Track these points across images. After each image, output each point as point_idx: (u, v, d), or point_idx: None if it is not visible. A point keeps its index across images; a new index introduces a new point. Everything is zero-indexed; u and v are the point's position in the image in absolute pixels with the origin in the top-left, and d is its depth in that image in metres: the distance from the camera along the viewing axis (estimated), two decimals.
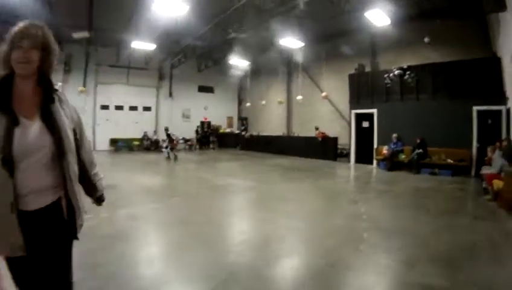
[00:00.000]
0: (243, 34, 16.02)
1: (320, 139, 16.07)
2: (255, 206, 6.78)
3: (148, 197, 7.24)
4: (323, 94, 16.38)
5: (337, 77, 16.95)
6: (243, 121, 25.31)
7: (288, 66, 20.68)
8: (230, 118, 25.65)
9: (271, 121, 22.23)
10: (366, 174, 11.57)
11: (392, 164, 12.06)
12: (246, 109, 24.26)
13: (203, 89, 24.54)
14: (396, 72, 12.41)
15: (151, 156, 17.57)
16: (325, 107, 18.14)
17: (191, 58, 21.46)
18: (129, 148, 21.04)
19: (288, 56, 18.95)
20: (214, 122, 24.53)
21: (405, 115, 12.38)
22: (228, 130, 24.63)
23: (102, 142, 21.01)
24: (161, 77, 22.69)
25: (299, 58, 17.64)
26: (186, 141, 22.33)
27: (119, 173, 10.83)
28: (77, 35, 13.72)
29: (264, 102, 20.87)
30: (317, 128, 16.88)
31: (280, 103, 19.44)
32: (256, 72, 22.28)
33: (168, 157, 15.54)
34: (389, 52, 14.70)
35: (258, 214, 6.08)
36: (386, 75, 12.82)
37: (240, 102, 25.06)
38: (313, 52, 17.70)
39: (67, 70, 20.05)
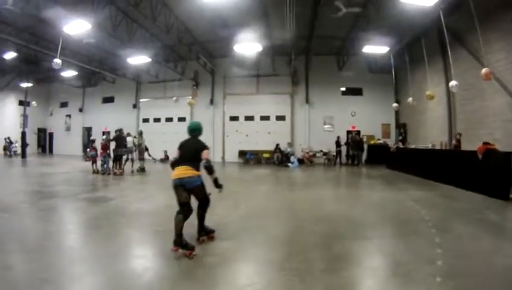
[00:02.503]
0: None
1: (480, 155, 9.10)
2: None
3: None
4: (484, 71, 9.55)
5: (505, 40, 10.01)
6: (400, 128, 19.31)
7: (438, 39, 13.96)
8: (386, 126, 20.24)
9: (432, 126, 15.86)
10: None
11: None
12: (402, 113, 18.30)
13: (348, 91, 20.74)
14: None
15: (257, 171, 15.80)
16: (498, 97, 10.99)
17: (325, 53, 19.17)
18: (257, 161, 18.68)
19: (433, 25, 12.71)
20: (365, 132, 20.15)
21: None
22: (381, 141, 19.40)
23: (231, 154, 21.09)
24: (295, 82, 20.55)
25: (445, 24, 11.13)
26: (324, 154, 18.18)
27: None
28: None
29: (410, 100, 14.90)
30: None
31: (430, 97, 13.16)
32: (402, 60, 16.41)
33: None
34: None
35: None
36: None
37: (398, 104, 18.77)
38: (459, 10, 11.33)
39: (195, 85, 21.79)
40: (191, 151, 4.38)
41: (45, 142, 28.61)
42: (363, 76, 19.89)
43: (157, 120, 22.81)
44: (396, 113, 19.20)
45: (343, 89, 20.47)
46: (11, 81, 22.83)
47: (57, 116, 27.28)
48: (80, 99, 25.93)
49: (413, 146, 15.16)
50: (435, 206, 7.15)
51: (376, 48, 15.10)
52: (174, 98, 19.59)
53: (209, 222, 4.74)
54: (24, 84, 22.74)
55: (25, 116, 23.75)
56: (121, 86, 23.87)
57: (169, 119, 22.43)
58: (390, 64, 16.94)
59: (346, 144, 19.17)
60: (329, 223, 5.82)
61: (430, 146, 13.45)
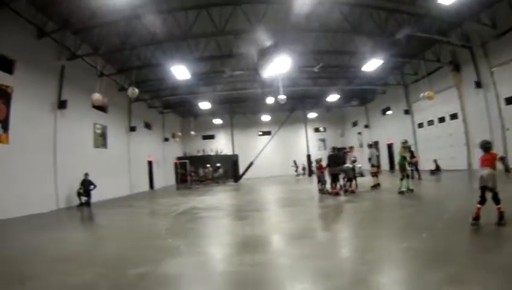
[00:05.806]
0: None
1: None
2: None
3: None
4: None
5: None
6: None
7: None
8: None
9: None
10: None
11: None
12: None
13: None
14: None
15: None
16: None
17: None
18: None
19: None
20: None
21: None
22: None
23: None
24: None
25: None
26: None
27: None
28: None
29: None
30: None
31: None
32: None
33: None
34: None
35: None
36: None
37: None
38: None
39: (455, 69, 17.58)
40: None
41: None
42: None
43: (430, 123, 19.99)
44: None
45: None
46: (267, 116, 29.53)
47: (350, 134, 31.03)
48: (364, 116, 27.81)
49: None
50: None
51: None
52: (421, 95, 16.51)
53: None
54: (309, 115, 30.82)
55: (307, 141, 30.81)
56: (393, 94, 22.99)
57: (441, 120, 19.06)
58: None
59: None
60: None
61: None
